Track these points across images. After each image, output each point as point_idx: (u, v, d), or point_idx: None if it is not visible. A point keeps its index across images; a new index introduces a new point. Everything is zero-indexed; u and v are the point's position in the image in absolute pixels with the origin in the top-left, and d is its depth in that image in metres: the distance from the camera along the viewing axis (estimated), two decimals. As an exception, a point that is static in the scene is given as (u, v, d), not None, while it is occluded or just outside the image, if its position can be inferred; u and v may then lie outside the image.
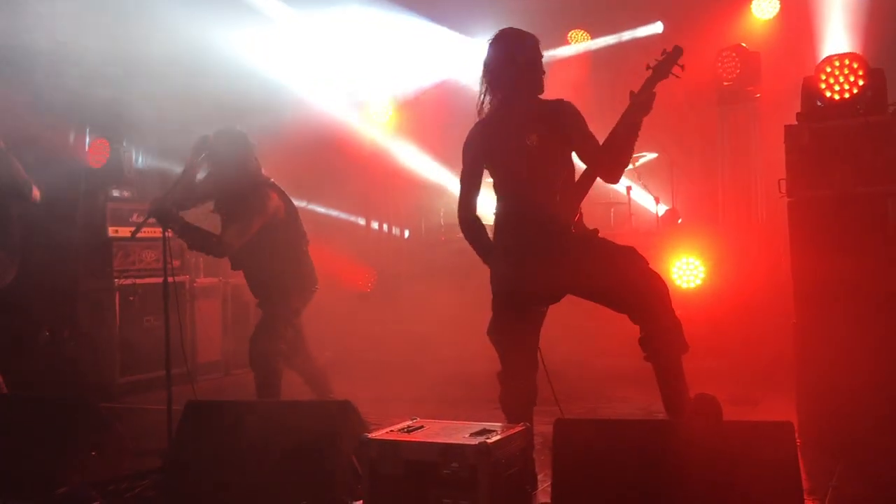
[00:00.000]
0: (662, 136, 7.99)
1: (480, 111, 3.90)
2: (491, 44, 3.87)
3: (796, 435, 2.96)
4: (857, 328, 4.18)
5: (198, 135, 4.81)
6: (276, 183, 5.14)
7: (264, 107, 8.34)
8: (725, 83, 8.04)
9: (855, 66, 4.46)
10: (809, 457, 3.84)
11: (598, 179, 3.82)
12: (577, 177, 3.84)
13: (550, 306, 3.95)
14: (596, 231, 3.85)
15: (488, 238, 3.93)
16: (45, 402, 4.23)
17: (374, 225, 10.47)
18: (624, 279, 3.69)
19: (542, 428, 3.82)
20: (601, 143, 3.73)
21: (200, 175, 5.08)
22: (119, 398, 6.64)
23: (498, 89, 3.84)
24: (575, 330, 6.50)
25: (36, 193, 5.43)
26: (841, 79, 4.48)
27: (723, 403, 3.59)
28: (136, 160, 7.61)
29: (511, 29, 3.88)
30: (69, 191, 7.41)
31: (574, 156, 3.87)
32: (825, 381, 4.20)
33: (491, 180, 3.95)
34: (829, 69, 4.50)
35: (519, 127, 3.79)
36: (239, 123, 5.12)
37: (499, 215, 3.94)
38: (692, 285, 7.06)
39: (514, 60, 3.80)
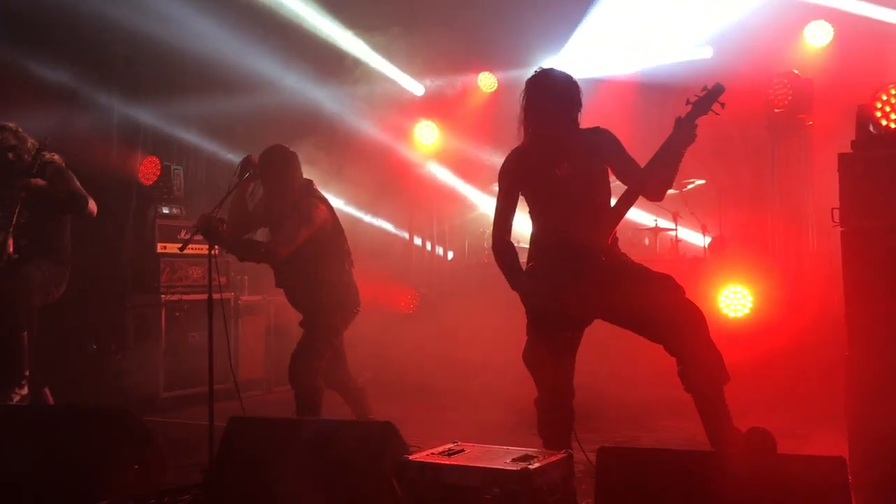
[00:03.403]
0: (710, 162, 7.88)
1: (520, 137, 3.99)
2: (528, 82, 3.94)
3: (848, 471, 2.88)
4: (911, 363, 4.06)
5: (243, 154, 4.92)
6: (326, 197, 5.19)
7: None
8: (777, 110, 7.89)
9: (912, 94, 4.37)
10: (860, 495, 3.72)
11: (643, 200, 3.87)
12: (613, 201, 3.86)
13: (587, 333, 3.94)
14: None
15: (519, 264, 3.99)
16: (91, 413, 4.27)
17: (418, 241, 10.44)
18: (657, 308, 3.67)
19: (581, 455, 3.77)
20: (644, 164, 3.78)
21: (249, 197, 5.15)
22: (163, 412, 6.71)
23: (532, 123, 3.91)
24: (612, 357, 6.42)
25: (92, 207, 5.52)
26: (898, 107, 4.38)
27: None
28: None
29: (548, 69, 3.96)
30: (120, 206, 7.56)
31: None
32: (878, 418, 4.07)
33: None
34: (884, 97, 4.40)
35: (550, 158, 3.88)
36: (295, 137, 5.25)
37: (533, 239, 4.03)
38: (740, 314, 6.92)
39: (548, 98, 3.86)
